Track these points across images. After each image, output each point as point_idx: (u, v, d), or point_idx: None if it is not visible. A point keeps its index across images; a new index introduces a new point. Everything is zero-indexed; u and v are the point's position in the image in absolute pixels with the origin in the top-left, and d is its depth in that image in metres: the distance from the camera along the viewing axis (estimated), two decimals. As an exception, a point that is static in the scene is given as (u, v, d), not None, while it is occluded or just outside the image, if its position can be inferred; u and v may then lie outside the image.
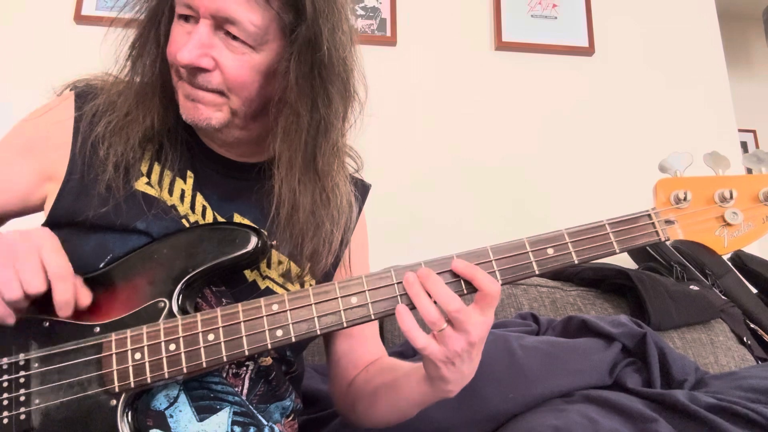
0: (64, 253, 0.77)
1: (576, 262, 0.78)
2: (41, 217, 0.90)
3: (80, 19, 2.04)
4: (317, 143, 0.83)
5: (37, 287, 0.73)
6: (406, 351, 1.38)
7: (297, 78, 0.79)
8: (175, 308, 0.79)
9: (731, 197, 0.79)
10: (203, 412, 0.81)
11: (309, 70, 0.79)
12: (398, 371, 0.91)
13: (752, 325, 1.66)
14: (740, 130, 2.36)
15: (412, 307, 0.75)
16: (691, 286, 1.67)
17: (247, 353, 0.76)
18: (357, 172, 1.01)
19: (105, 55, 0.87)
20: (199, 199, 0.90)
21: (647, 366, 1.23)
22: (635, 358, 1.26)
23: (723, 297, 1.69)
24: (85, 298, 0.78)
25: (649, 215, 0.80)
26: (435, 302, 0.74)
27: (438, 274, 0.76)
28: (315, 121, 0.82)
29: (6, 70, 1.98)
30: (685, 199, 0.80)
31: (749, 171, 0.83)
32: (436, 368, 0.75)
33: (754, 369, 1.32)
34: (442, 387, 0.78)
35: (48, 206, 0.88)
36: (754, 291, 1.78)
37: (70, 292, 0.75)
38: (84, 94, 0.90)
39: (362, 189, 1.05)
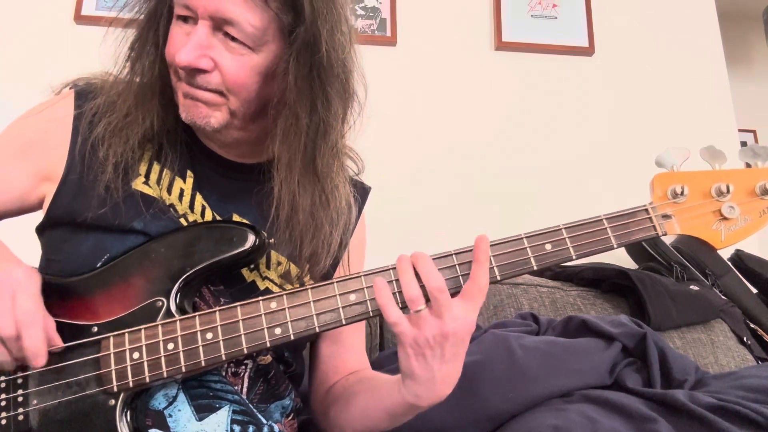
0: (39, 297, 0.75)
1: (574, 257, 0.78)
2: (39, 216, 0.89)
3: (80, 19, 2.04)
4: (316, 145, 0.83)
5: (7, 332, 0.71)
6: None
7: (296, 79, 0.79)
8: (173, 307, 0.79)
9: (728, 191, 0.79)
10: (202, 411, 0.81)
11: (308, 72, 0.79)
12: (376, 380, 0.90)
13: (752, 325, 1.65)
14: (740, 130, 2.36)
15: (404, 306, 0.75)
16: (691, 286, 1.66)
17: (245, 352, 0.76)
18: (358, 175, 1.01)
19: (104, 55, 0.87)
20: (199, 199, 0.90)
21: (647, 366, 1.23)
22: (635, 358, 1.26)
23: (723, 297, 1.69)
24: (57, 342, 0.76)
25: (646, 210, 0.81)
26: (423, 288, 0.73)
27: (439, 269, 0.75)
28: (314, 123, 0.82)
29: (6, 70, 1.98)
30: (682, 193, 0.80)
31: (748, 165, 0.83)
32: (406, 356, 0.74)
33: (754, 369, 1.31)
34: (412, 388, 0.76)
35: (46, 205, 0.88)
36: (754, 291, 1.78)
37: (40, 340, 0.73)
38: (84, 93, 0.90)
39: (362, 192, 1.05)
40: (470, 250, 0.77)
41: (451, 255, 0.78)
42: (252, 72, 0.80)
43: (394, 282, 0.76)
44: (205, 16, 0.77)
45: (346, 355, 1.00)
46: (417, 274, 0.74)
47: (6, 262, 0.77)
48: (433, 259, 0.77)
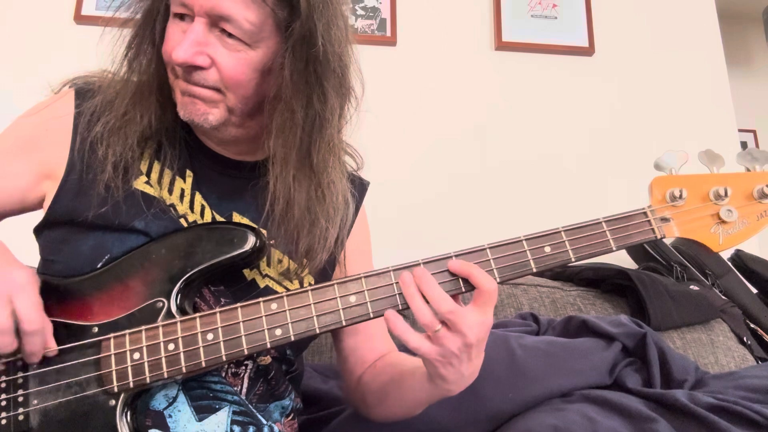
0: (38, 300, 0.76)
1: (573, 259, 0.78)
2: (38, 216, 0.89)
3: (80, 19, 2.04)
4: (312, 139, 0.83)
5: (4, 331, 0.72)
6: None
7: (292, 74, 0.79)
8: (173, 308, 0.79)
9: (726, 195, 0.80)
10: (202, 411, 0.81)
11: (304, 66, 0.79)
12: (403, 367, 0.91)
13: (752, 325, 1.66)
14: (740, 130, 2.36)
15: (407, 307, 0.75)
16: (691, 286, 1.67)
17: (246, 353, 0.76)
18: (357, 171, 1.01)
19: (102, 55, 0.87)
20: (198, 199, 0.90)
21: (647, 366, 1.23)
22: (635, 358, 1.26)
23: (723, 297, 1.69)
24: (51, 346, 0.77)
25: (645, 213, 0.81)
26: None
27: (436, 273, 0.76)
28: (310, 117, 0.82)
29: (6, 70, 1.98)
30: (680, 196, 0.80)
31: (747, 169, 0.83)
32: (433, 367, 0.75)
33: (754, 369, 1.32)
34: (443, 386, 0.78)
35: (46, 205, 0.88)
36: (754, 291, 1.78)
37: (38, 345, 0.75)
38: (83, 92, 0.90)
39: (360, 187, 1.05)
40: (469, 252, 0.78)
41: (451, 257, 0.78)
42: (249, 68, 0.80)
43: (394, 284, 0.77)
44: (202, 14, 0.77)
45: (369, 344, 1.01)
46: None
47: (6, 265, 0.77)
48: (433, 261, 0.77)
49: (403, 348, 1.34)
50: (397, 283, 0.76)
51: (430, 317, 0.73)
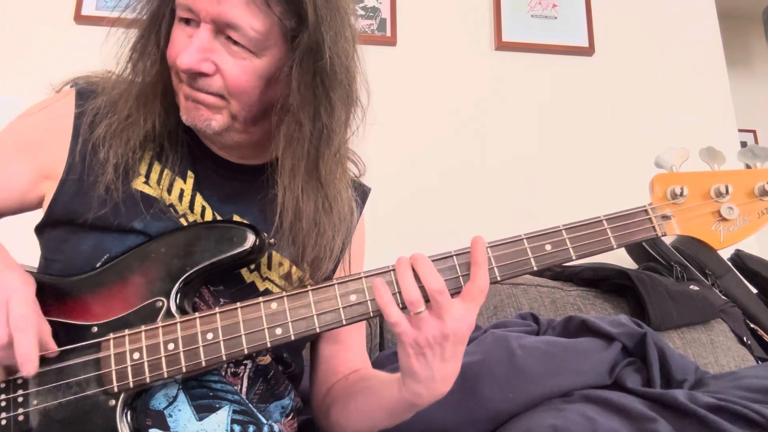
0: (34, 303, 0.74)
1: (574, 257, 0.78)
2: (38, 216, 0.89)
3: (80, 19, 2.04)
4: (320, 152, 0.82)
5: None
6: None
7: (299, 86, 0.78)
8: (173, 307, 0.79)
9: (727, 192, 0.80)
10: (202, 411, 0.81)
11: (311, 78, 0.78)
12: (375, 379, 0.90)
13: (752, 325, 1.66)
14: (740, 130, 2.36)
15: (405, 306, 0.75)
16: (691, 286, 1.67)
17: (246, 352, 0.76)
18: (359, 177, 1.01)
19: (105, 56, 0.86)
20: (199, 200, 0.90)
21: (647, 366, 1.23)
22: (635, 358, 1.26)
23: (723, 297, 1.69)
24: (51, 347, 0.76)
25: (645, 210, 0.81)
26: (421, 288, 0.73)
27: (439, 270, 0.75)
28: (317, 129, 0.81)
29: (6, 70, 1.98)
30: (681, 194, 0.80)
31: (747, 166, 0.83)
32: (406, 355, 0.74)
33: (754, 369, 1.31)
34: (412, 387, 0.76)
35: (45, 205, 0.88)
36: (754, 291, 1.78)
37: (32, 346, 0.71)
38: (85, 92, 0.90)
39: (362, 193, 1.05)
40: (470, 251, 0.77)
41: (452, 256, 0.78)
42: (253, 76, 0.79)
43: (394, 283, 0.76)
44: (208, 20, 0.76)
45: (347, 355, 1.00)
46: (416, 276, 0.74)
47: (3, 269, 0.77)
48: (433, 260, 0.77)
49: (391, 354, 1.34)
50: (397, 281, 0.76)
51: (417, 295, 0.73)
